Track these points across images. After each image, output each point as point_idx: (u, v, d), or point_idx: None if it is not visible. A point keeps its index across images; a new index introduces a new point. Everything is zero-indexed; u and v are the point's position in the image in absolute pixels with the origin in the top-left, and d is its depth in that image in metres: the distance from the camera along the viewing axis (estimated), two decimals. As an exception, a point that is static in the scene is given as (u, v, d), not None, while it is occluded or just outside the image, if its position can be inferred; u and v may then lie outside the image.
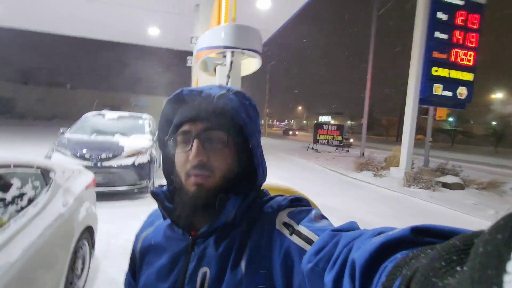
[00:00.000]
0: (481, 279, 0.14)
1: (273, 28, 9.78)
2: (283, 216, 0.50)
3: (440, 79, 7.85)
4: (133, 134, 5.46)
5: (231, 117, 0.51)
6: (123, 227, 3.51)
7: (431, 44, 7.71)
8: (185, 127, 0.52)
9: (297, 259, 0.43)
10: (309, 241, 0.44)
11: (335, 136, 15.82)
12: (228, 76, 3.05)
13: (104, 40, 12.70)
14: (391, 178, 8.11)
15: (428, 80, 7.77)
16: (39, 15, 9.36)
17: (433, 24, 7.69)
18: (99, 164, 4.45)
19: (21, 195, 1.56)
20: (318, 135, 15.73)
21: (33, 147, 9.59)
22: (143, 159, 4.85)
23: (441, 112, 9.39)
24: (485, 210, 5.65)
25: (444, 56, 7.86)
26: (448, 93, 7.98)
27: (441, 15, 7.69)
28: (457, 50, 7.98)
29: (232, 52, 3.09)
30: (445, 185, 7.30)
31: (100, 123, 5.61)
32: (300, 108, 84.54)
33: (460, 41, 7.98)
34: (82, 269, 2.26)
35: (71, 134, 5.12)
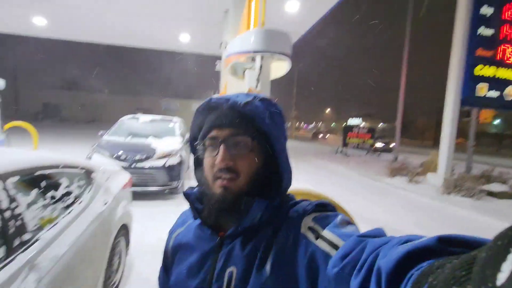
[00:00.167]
0: (481, 279, 0.17)
1: (302, 31, 9.68)
2: (308, 221, 0.50)
3: (484, 79, 7.25)
4: (165, 136, 5.72)
5: (256, 123, 0.53)
6: (156, 225, 3.68)
7: (475, 41, 7.14)
8: (213, 133, 0.55)
9: (322, 263, 0.44)
10: (335, 246, 0.44)
11: (365, 139, 15.27)
12: (258, 80, 3.06)
13: (139, 48, 13.52)
14: (428, 185, 7.60)
15: (470, 80, 7.19)
16: (81, 27, 10.22)
17: (477, 19, 7.12)
18: (133, 165, 4.72)
19: (67, 194, 1.70)
20: (348, 138, 15.28)
21: (73, 148, 10.48)
22: (173, 161, 5.05)
23: (486, 114, 8.66)
24: (539, 222, 5.10)
25: (489, 54, 7.24)
26: (494, 94, 7.33)
27: (486, 10, 7.11)
28: (505, 46, 7.32)
29: (262, 56, 3.10)
30: (490, 193, 6.67)
31: (134, 126, 5.96)
32: (328, 110, 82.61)
33: (509, 37, 7.31)
34: (119, 265, 2.40)
35: (109, 136, 5.50)
